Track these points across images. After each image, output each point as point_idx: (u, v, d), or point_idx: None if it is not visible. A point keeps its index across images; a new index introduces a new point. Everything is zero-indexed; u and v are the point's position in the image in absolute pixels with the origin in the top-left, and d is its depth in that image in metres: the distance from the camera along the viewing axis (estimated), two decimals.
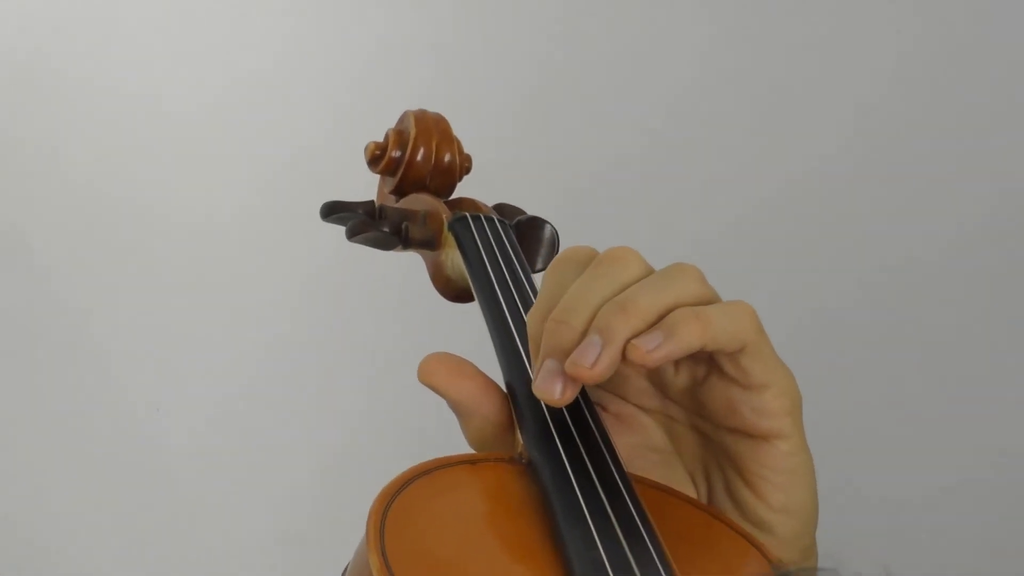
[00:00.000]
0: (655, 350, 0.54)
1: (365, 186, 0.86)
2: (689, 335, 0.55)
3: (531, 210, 0.79)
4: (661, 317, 0.55)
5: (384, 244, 0.77)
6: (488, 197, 0.81)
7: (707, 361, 0.59)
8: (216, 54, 1.60)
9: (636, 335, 0.55)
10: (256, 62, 1.60)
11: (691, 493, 0.62)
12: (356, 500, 0.53)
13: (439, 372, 0.61)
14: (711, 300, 0.58)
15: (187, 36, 1.60)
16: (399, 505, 0.53)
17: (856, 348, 1.53)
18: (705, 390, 0.60)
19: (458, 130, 0.83)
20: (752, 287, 1.52)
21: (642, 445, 0.63)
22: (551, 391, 0.55)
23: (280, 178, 1.58)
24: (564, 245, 0.65)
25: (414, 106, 0.83)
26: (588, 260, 0.59)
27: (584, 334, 0.55)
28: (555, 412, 0.59)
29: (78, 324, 1.61)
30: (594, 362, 0.54)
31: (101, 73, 1.60)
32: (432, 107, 0.84)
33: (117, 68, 1.60)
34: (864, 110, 1.54)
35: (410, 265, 0.82)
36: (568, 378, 0.55)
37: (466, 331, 0.72)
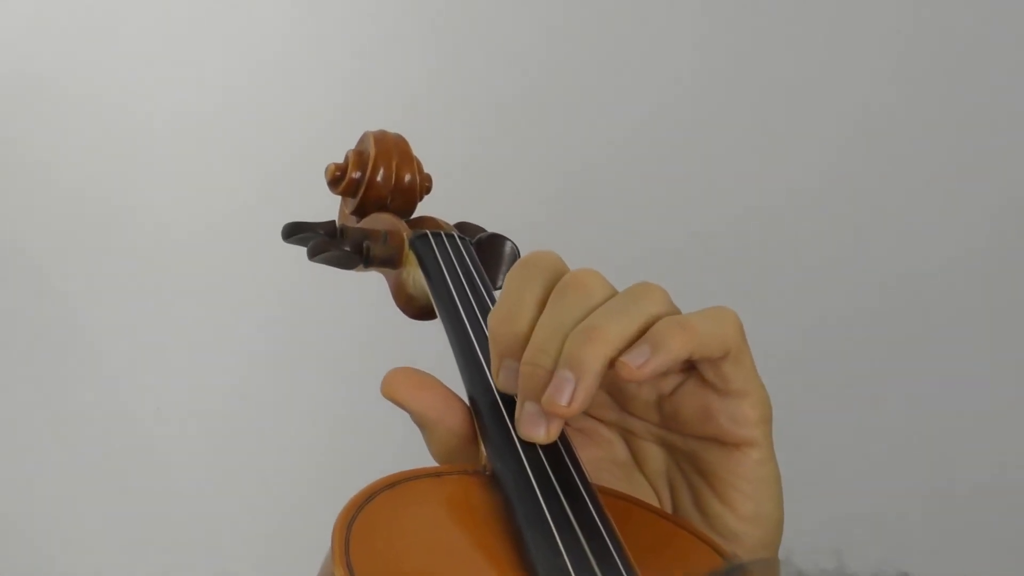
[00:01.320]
0: (644, 365, 0.55)
1: (331, 203, 0.86)
2: (676, 346, 0.55)
3: (506, 219, 0.80)
4: (630, 341, 0.56)
5: (346, 263, 0.77)
6: (452, 212, 0.81)
7: (681, 371, 0.60)
8: (209, 60, 1.60)
9: (608, 362, 0.55)
10: (253, 65, 1.60)
11: (656, 505, 0.62)
12: (332, 507, 0.53)
13: (401, 386, 0.61)
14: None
15: (182, 42, 1.60)
16: (364, 518, 0.53)
17: (856, 349, 1.54)
18: (677, 399, 0.60)
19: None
20: (756, 289, 1.53)
21: (605, 459, 0.63)
22: (536, 433, 0.57)
23: (275, 182, 1.58)
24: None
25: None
26: (549, 269, 0.60)
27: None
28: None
29: (77, 326, 1.61)
30: (570, 399, 0.55)
31: (96, 79, 1.60)
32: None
33: (111, 74, 1.60)
34: (863, 111, 1.54)
35: (374, 284, 0.83)
36: (550, 419, 0.56)
37: (430, 346, 0.72)
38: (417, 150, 0.84)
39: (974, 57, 1.53)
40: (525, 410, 0.57)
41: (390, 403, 0.61)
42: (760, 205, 1.55)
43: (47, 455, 1.60)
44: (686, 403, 0.59)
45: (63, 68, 1.59)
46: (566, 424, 0.63)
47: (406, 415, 0.61)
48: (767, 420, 0.59)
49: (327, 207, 0.87)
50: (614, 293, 0.58)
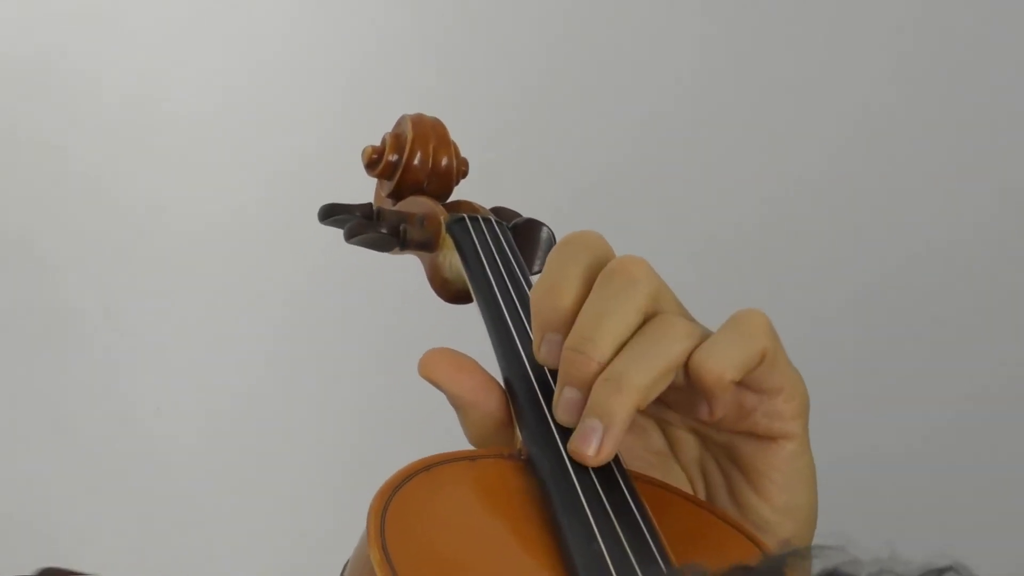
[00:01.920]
0: (713, 413, 0.58)
1: (364, 187, 0.86)
2: (719, 383, 0.56)
3: (532, 211, 0.80)
4: (661, 381, 0.56)
5: (382, 245, 0.77)
6: (488, 199, 0.81)
7: None
8: (217, 56, 1.60)
9: (635, 412, 0.56)
10: (257, 63, 1.60)
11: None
12: (358, 499, 0.53)
13: (439, 367, 0.61)
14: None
15: (189, 38, 1.60)
16: (399, 500, 0.53)
17: (857, 349, 1.54)
18: None
19: (458, 132, 0.83)
20: (757, 287, 1.53)
21: (641, 447, 0.63)
22: (584, 451, 0.56)
23: (283, 179, 1.58)
24: None
25: (412, 109, 0.84)
26: (594, 247, 0.59)
27: (601, 365, 0.56)
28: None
29: (78, 326, 1.61)
30: (598, 450, 0.56)
31: (102, 75, 1.60)
32: (432, 109, 0.84)
33: (118, 69, 1.60)
34: (867, 111, 1.54)
35: (409, 266, 0.82)
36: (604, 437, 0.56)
37: (466, 330, 0.72)
38: (453, 133, 0.84)
39: (974, 57, 1.52)
40: (564, 395, 0.57)
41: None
42: (778, 205, 1.55)
43: (47, 455, 1.60)
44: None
45: (68, 65, 1.59)
46: None
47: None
48: (803, 413, 0.59)
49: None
50: (657, 281, 0.58)
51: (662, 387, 0.56)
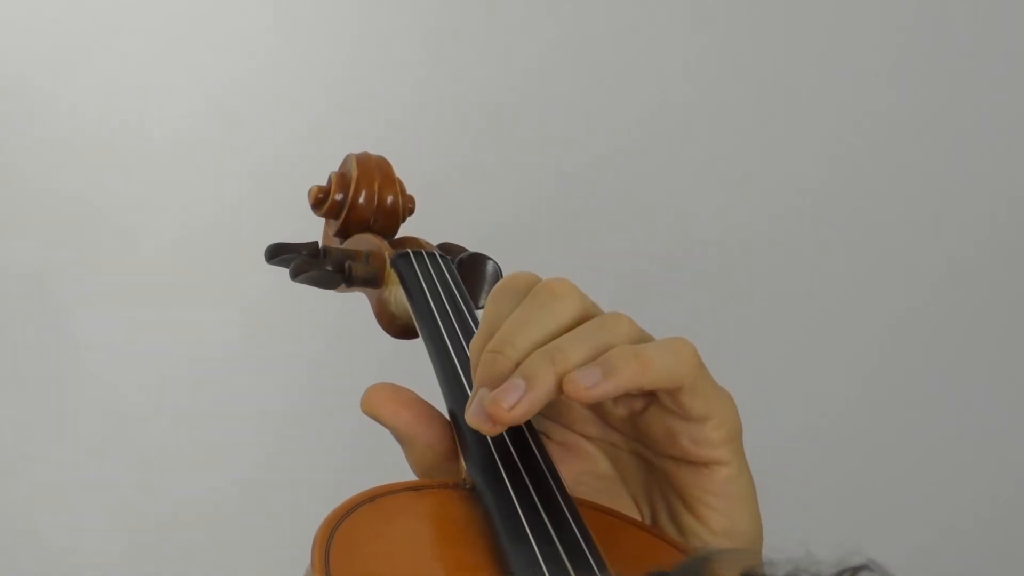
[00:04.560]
0: (593, 387, 0.55)
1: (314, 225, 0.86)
2: (628, 375, 0.56)
3: (495, 227, 0.80)
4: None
5: (327, 283, 0.77)
6: (445, 219, 0.82)
7: (646, 394, 0.60)
8: (199, 68, 1.61)
9: (558, 385, 0.56)
10: (238, 72, 1.61)
11: (636, 518, 0.63)
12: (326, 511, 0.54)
13: (381, 402, 0.62)
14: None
15: (172, 52, 1.61)
16: (343, 531, 0.53)
17: (857, 347, 1.54)
18: (645, 419, 0.60)
19: (424, 149, 0.84)
20: (733, 302, 1.53)
21: (587, 472, 0.63)
22: (482, 421, 0.56)
23: (272, 184, 1.58)
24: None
25: (383, 126, 0.84)
26: (528, 288, 0.60)
27: (517, 364, 0.56)
28: (497, 438, 0.60)
29: (78, 326, 1.61)
30: (513, 405, 0.55)
31: (88, 89, 1.60)
32: (400, 127, 0.84)
33: (103, 84, 1.60)
34: (857, 113, 1.55)
35: (357, 302, 0.83)
36: (524, 397, 0.56)
37: (413, 364, 0.72)
38: (406, 159, 0.85)
39: (974, 58, 1.54)
40: (478, 396, 0.57)
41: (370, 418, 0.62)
42: (756, 211, 1.55)
43: (47, 455, 1.60)
44: (653, 424, 0.60)
45: (54, 77, 1.60)
46: (547, 438, 0.63)
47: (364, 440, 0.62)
48: (733, 438, 0.59)
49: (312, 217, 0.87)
50: (583, 299, 0.59)
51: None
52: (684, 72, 1.57)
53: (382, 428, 0.62)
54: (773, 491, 0.63)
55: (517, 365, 0.56)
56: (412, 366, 0.74)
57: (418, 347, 0.71)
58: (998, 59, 1.54)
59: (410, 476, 0.62)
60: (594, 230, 1.54)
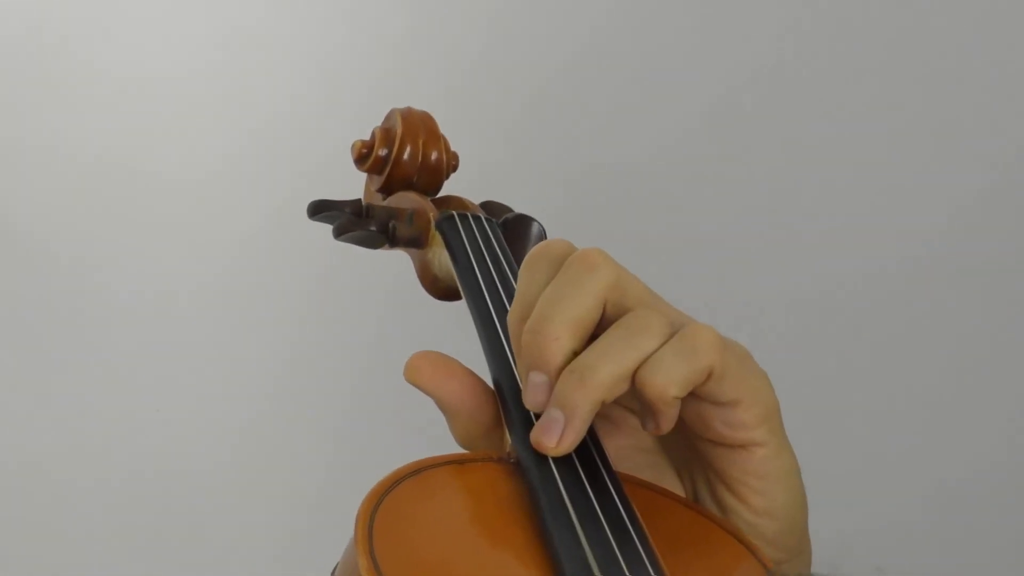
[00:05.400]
0: (660, 426, 0.57)
1: (355, 184, 0.86)
2: (662, 399, 0.56)
3: (524, 206, 0.79)
4: (623, 380, 0.56)
5: (371, 242, 0.77)
6: (476, 194, 0.81)
7: None
8: (206, 44, 1.60)
9: (599, 405, 0.56)
10: (248, 52, 1.60)
11: (680, 493, 0.62)
12: (351, 501, 0.53)
13: (425, 371, 0.61)
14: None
15: (194, 28, 1.60)
16: (387, 506, 0.52)
17: (857, 345, 1.54)
18: (681, 405, 0.60)
19: (452, 126, 0.83)
20: (752, 285, 1.53)
21: (631, 446, 0.63)
22: (548, 442, 0.56)
23: (280, 181, 1.58)
24: None
25: (405, 102, 0.83)
26: (562, 256, 0.59)
27: (559, 342, 0.56)
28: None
29: (78, 326, 1.61)
30: (559, 440, 0.56)
31: (102, 70, 1.59)
32: (428, 102, 0.84)
33: (118, 63, 1.59)
34: (883, 112, 1.54)
35: (400, 263, 0.82)
36: (566, 429, 0.56)
37: (456, 329, 0.72)
38: (443, 127, 0.83)
39: (975, 57, 1.52)
40: (530, 380, 0.57)
41: (411, 391, 0.61)
42: (782, 205, 1.55)
43: (47, 455, 1.61)
44: (686, 411, 0.59)
45: (66, 60, 1.59)
46: None
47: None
48: (768, 418, 0.58)
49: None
50: (616, 269, 0.58)
51: (627, 385, 0.56)
52: (705, 68, 1.55)
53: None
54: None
55: (558, 344, 0.56)
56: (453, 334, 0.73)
57: (454, 312, 0.70)
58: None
59: (454, 448, 0.61)
60: (628, 222, 1.53)
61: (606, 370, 0.56)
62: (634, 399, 0.62)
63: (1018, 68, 1.51)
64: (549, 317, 0.56)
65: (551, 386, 0.56)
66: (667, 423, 0.57)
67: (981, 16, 1.51)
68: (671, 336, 0.57)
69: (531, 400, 0.57)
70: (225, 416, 1.61)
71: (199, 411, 1.62)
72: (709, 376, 0.57)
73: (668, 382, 0.55)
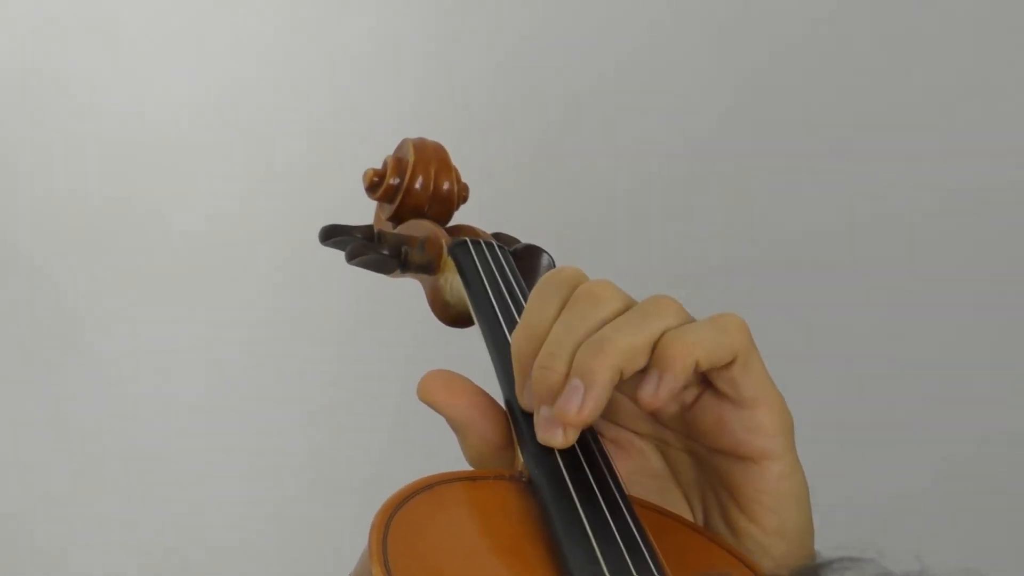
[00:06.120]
0: (659, 391, 0.56)
1: (364, 202, 0.86)
2: (682, 360, 0.56)
3: (532, 236, 0.80)
4: (641, 352, 0.56)
5: (383, 267, 0.77)
6: (485, 226, 0.81)
7: (698, 383, 0.60)
8: (207, 65, 1.61)
9: (618, 373, 0.56)
10: (249, 72, 1.61)
11: (688, 517, 0.62)
12: (352, 510, 0.54)
13: (438, 390, 0.61)
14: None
15: (190, 39, 1.61)
16: (401, 518, 0.53)
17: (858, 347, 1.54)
18: (696, 411, 0.60)
19: (464, 158, 0.84)
20: (765, 309, 1.53)
21: (639, 470, 0.63)
22: (554, 438, 0.57)
23: (278, 181, 1.58)
24: None
25: (410, 127, 0.84)
26: (572, 284, 0.60)
27: (568, 377, 0.57)
28: None
29: (77, 325, 1.61)
30: (579, 407, 0.56)
31: (100, 78, 1.60)
32: (436, 132, 0.84)
33: (116, 73, 1.60)
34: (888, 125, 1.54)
35: (411, 289, 0.83)
36: (586, 396, 0.56)
37: (469, 351, 0.72)
38: (454, 158, 0.84)
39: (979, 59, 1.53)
40: (542, 415, 0.57)
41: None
42: (789, 225, 1.55)
43: (48, 455, 1.61)
44: (704, 415, 0.60)
45: (63, 66, 1.60)
46: (601, 436, 0.63)
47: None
48: (786, 431, 0.59)
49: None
50: (626, 300, 0.59)
51: (644, 358, 0.56)
52: (716, 94, 1.56)
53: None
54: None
55: (566, 377, 0.57)
56: (454, 354, 0.73)
57: (454, 337, 0.71)
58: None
59: (463, 465, 0.62)
60: (636, 239, 1.54)
61: (624, 340, 0.56)
62: (637, 419, 0.62)
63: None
64: (558, 354, 0.57)
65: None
66: (668, 389, 0.56)
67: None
68: (684, 321, 0.57)
69: (544, 436, 0.57)
70: (230, 418, 1.62)
71: (197, 412, 1.62)
72: (734, 361, 0.57)
73: (696, 344, 0.56)
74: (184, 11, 1.60)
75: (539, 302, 0.60)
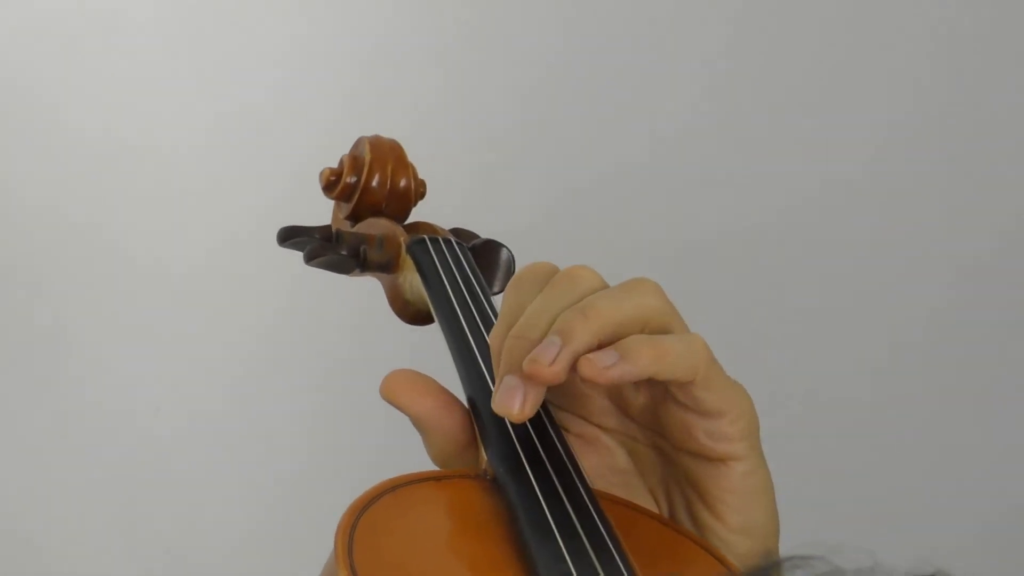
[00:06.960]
0: (609, 368, 0.55)
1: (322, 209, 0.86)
2: (643, 360, 0.56)
3: (506, 227, 0.80)
4: (621, 326, 0.56)
5: (342, 267, 0.77)
6: (449, 220, 0.81)
7: (663, 387, 0.60)
8: (210, 65, 1.60)
9: (596, 340, 0.55)
10: (244, 80, 1.60)
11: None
12: (329, 518, 0.53)
13: (401, 389, 0.61)
14: (670, 314, 0.59)
15: (182, 48, 1.60)
16: (367, 521, 0.53)
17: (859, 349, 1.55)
18: (663, 413, 0.60)
19: (433, 149, 0.83)
20: (746, 301, 1.53)
21: (605, 466, 0.63)
22: (510, 405, 0.55)
23: (273, 186, 1.58)
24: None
25: (372, 130, 0.84)
26: (548, 276, 0.60)
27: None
28: (519, 428, 0.59)
29: (77, 326, 1.60)
30: (553, 360, 0.55)
31: (90, 84, 1.59)
32: (395, 130, 0.84)
33: (109, 78, 1.59)
34: (882, 119, 1.54)
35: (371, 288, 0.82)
36: (527, 391, 0.55)
37: (431, 350, 0.72)
38: (415, 156, 0.84)
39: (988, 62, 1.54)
40: (504, 382, 0.56)
41: (389, 404, 0.61)
42: (765, 213, 1.55)
43: (48, 455, 1.60)
44: (670, 419, 0.60)
45: (64, 66, 1.59)
46: (565, 431, 0.63)
47: (385, 429, 0.61)
48: (750, 434, 0.59)
49: (328, 212, 0.86)
50: (603, 283, 0.59)
51: (627, 331, 0.56)
52: (701, 80, 1.56)
53: (393, 428, 0.62)
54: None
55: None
56: (426, 354, 0.73)
57: (432, 334, 0.71)
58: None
59: (429, 466, 0.62)
60: (601, 233, 1.54)
61: (609, 307, 0.56)
62: (605, 414, 0.62)
63: None
64: (536, 325, 0.57)
65: (523, 390, 0.56)
66: (618, 373, 0.55)
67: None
68: (664, 312, 0.57)
69: (500, 401, 0.56)
70: (230, 417, 1.61)
71: (197, 412, 1.61)
72: (692, 382, 0.57)
73: (667, 352, 0.56)
74: (185, 21, 1.59)
75: (516, 297, 0.60)
